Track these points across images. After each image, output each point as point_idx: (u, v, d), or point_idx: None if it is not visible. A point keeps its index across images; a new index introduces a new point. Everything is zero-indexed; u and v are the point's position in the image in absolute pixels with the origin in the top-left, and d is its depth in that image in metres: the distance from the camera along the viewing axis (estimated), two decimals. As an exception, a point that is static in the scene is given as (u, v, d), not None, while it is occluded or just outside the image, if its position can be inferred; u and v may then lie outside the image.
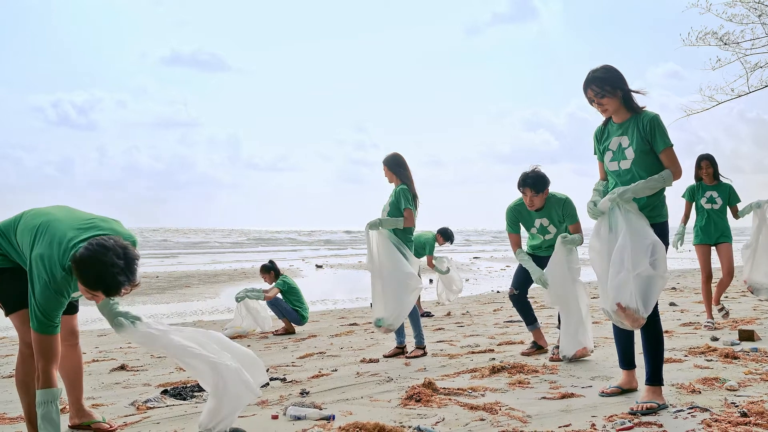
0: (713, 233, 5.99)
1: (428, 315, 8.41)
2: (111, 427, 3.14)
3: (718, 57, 12.53)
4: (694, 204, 6.09)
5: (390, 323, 4.90)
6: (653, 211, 3.29)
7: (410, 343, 5.34)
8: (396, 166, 5.15)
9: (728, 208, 6.03)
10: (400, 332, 5.21)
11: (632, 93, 3.32)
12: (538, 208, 4.73)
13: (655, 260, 3.11)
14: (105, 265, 2.43)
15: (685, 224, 6.22)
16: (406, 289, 4.87)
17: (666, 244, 3.29)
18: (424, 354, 5.15)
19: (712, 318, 6.03)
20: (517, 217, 4.88)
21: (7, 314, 2.79)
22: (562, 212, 4.72)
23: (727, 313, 6.11)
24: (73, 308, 3.06)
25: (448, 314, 8.47)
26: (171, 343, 2.78)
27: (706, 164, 5.99)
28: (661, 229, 3.29)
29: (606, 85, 3.27)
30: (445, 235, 8.68)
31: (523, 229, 4.94)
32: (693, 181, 6.10)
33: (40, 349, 2.55)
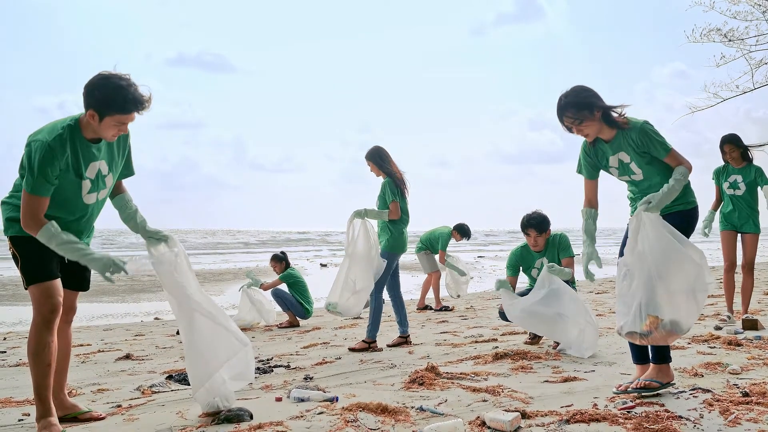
0: (737, 221, 5.50)
1: (446, 309, 8.39)
2: (100, 415, 3.08)
3: (723, 54, 12.49)
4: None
5: (340, 311, 4.95)
6: (677, 200, 3.12)
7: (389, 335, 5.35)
8: (379, 159, 5.19)
9: (759, 193, 5.48)
10: (402, 322, 5.22)
11: (611, 108, 3.09)
12: (541, 249, 4.89)
13: (697, 276, 2.92)
14: (116, 82, 2.62)
15: (715, 210, 5.69)
16: (363, 285, 4.92)
17: (692, 230, 3.19)
18: (369, 349, 5.01)
19: (732, 311, 5.59)
20: (518, 260, 5.00)
21: (27, 285, 2.77)
22: (558, 246, 4.84)
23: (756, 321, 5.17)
24: (77, 284, 3.04)
25: (452, 309, 8.47)
26: (174, 281, 2.89)
27: (730, 148, 5.46)
28: (689, 216, 3.17)
29: (583, 110, 3.07)
30: (462, 231, 8.50)
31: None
32: (721, 163, 5.59)
33: (27, 207, 2.63)
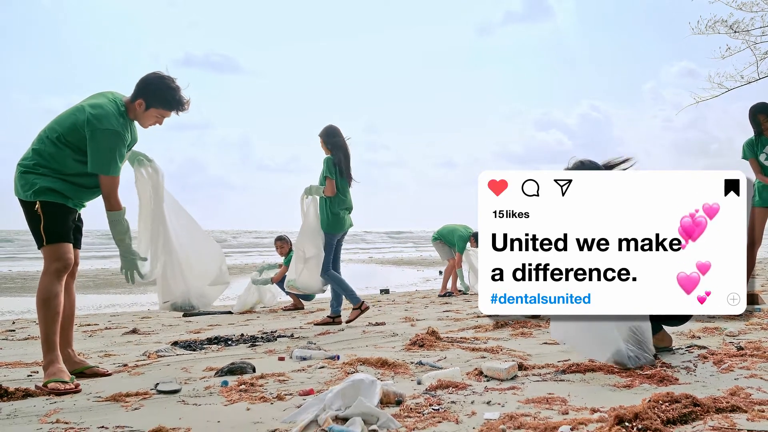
0: None
1: (449, 295, 8.41)
2: (106, 371, 3.16)
3: (728, 45, 12.47)
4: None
5: (298, 287, 5.14)
6: None
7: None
8: (329, 136, 5.22)
9: None
10: (334, 302, 5.30)
11: None
12: None
13: None
14: (169, 83, 3.09)
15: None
16: (318, 262, 5.08)
17: None
18: (361, 313, 5.16)
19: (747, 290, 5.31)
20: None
21: (41, 246, 2.91)
22: None
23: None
24: (77, 242, 3.16)
25: (456, 294, 8.51)
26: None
27: (764, 118, 5.17)
28: None
29: None
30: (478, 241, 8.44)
31: None
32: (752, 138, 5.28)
33: (109, 187, 2.98)
